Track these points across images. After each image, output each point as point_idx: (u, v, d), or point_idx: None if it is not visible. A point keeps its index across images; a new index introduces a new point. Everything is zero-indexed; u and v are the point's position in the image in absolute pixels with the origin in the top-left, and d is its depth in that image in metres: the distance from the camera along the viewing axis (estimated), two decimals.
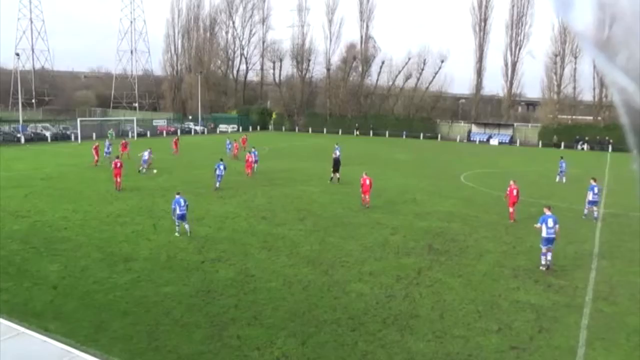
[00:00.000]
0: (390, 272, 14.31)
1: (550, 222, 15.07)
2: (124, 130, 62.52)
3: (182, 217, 17.33)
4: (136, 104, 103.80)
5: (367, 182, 23.31)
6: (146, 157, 32.02)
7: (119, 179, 25.45)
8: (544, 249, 15.16)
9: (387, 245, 17.05)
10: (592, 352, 9.93)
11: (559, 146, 68.07)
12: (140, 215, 20.22)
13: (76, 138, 54.06)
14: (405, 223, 20.41)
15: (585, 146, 68.79)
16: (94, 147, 35.10)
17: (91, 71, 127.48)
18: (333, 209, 22.60)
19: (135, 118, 65.81)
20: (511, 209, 21.72)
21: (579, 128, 72.47)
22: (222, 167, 26.58)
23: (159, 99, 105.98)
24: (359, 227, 19.51)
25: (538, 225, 15.34)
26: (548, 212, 15.38)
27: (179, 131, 69.24)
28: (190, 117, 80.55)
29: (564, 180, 34.08)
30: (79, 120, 56.97)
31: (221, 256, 15.28)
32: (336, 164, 30.83)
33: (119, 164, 25.55)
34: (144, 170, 31.60)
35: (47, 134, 55.45)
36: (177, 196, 17.61)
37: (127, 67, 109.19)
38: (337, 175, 30.46)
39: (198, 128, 73.55)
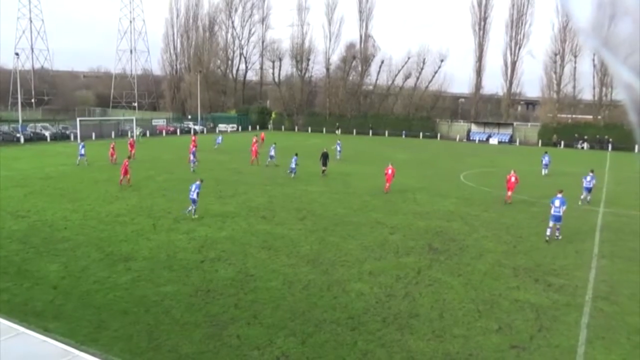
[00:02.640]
0: (390, 271, 14.31)
1: (557, 203, 17.97)
2: (124, 130, 62.52)
3: (192, 201, 19.86)
4: (135, 104, 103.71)
5: (390, 171, 26.92)
6: (192, 158, 33.41)
7: (128, 176, 26.58)
8: (550, 224, 18.21)
9: (386, 245, 17.05)
10: (592, 351, 9.93)
11: (559, 145, 68.08)
12: (140, 215, 20.21)
13: (75, 138, 54.00)
14: (405, 222, 20.41)
15: (585, 145, 68.80)
16: (111, 145, 35.99)
17: (90, 71, 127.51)
18: (333, 209, 22.59)
19: (134, 118, 65.67)
20: (509, 193, 25.14)
21: (579, 127, 72.45)
22: (294, 160, 31.12)
23: (159, 99, 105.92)
24: (358, 226, 19.51)
25: (550, 204, 18.35)
26: (559, 195, 18.24)
27: (197, 129, 69.50)
28: (189, 117, 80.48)
29: (546, 172, 36.67)
30: (78, 120, 56.88)
31: (221, 256, 15.27)
32: (324, 158, 32.51)
33: (126, 162, 27.10)
34: (194, 168, 32.84)
35: (47, 133, 55.40)
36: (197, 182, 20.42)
37: (127, 67, 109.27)
38: (324, 168, 32.34)
39: (197, 127, 73.51)
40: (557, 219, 18.09)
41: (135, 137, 52.92)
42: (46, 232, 17.35)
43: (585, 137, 69.41)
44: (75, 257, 14.71)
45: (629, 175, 38.03)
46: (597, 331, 10.81)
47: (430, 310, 11.65)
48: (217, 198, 24.21)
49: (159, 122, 71.76)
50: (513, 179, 25.08)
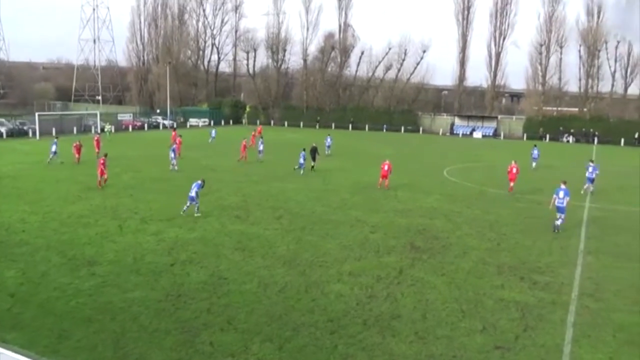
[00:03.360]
0: (371, 271, 14.39)
1: (561, 194, 19.15)
2: (87, 125, 61.41)
3: (190, 199, 20.31)
4: (99, 97, 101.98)
5: (386, 167, 27.19)
6: (172, 155, 32.83)
7: (104, 176, 25.83)
8: (557, 215, 19.27)
9: (367, 244, 17.13)
10: (578, 350, 10.16)
11: (544, 139, 69.32)
12: (105, 216, 19.89)
13: (34, 134, 52.89)
14: (386, 220, 20.54)
15: (570, 138, 70.23)
16: (74, 145, 34.62)
17: (50, 62, 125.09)
18: (311, 207, 22.61)
19: (99, 112, 64.56)
20: (511, 184, 27.31)
21: (565, 120, 73.93)
22: (302, 154, 31.91)
23: (124, 92, 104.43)
24: (337, 225, 19.56)
25: (554, 196, 19.47)
26: (563, 186, 19.32)
27: (167, 124, 68.71)
28: (158, 111, 79.51)
29: (534, 165, 38.27)
30: (37, 114, 55.65)
31: (192, 258, 15.14)
32: (313, 153, 33.63)
33: (101, 161, 26.26)
34: (175, 167, 32.33)
35: (2, 129, 54.06)
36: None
37: (90, 58, 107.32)
38: (312, 164, 33.35)
39: (167, 122, 72.66)
40: (561, 210, 19.17)
41: (106, 133, 52.18)
42: (2, 236, 16.93)
43: (571, 130, 70.85)
44: (34, 262, 14.40)
45: (615, 169, 38.97)
46: (583, 329, 11.06)
47: (412, 311, 11.75)
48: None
49: (125, 116, 70.71)
50: (514, 170, 27.33)
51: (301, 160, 31.96)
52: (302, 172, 31.80)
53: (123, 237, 17.11)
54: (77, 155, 34.11)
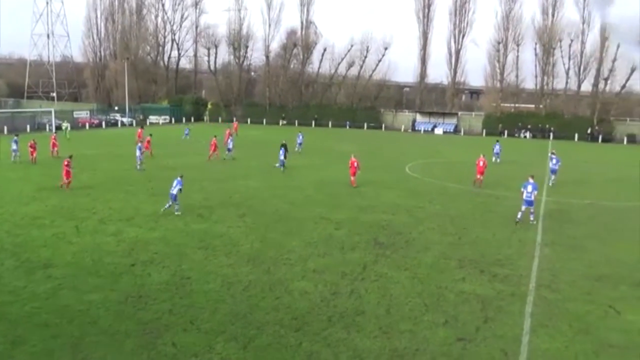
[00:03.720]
0: (335, 268, 14.45)
1: (530, 188, 19.86)
2: (41, 123, 59.37)
3: (171, 197, 19.86)
4: (54, 94, 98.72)
5: (355, 164, 27.20)
6: (139, 154, 31.82)
7: (70, 179, 24.53)
8: (522, 208, 20.05)
9: (331, 241, 17.20)
10: (536, 340, 10.48)
11: (503, 134, 71.14)
12: (61, 217, 19.28)
13: None
14: (350, 217, 20.66)
15: (527, 134, 72.32)
16: (29, 144, 33.15)
17: (1, 57, 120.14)
18: (274, 204, 22.52)
19: (53, 109, 62.52)
20: (478, 176, 28.25)
21: (522, 116, 76.03)
22: (282, 151, 32.18)
23: (80, 88, 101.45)
24: (301, 222, 19.56)
25: (522, 190, 20.11)
26: (531, 180, 20.07)
27: (133, 122, 66.82)
28: (116, 108, 77.53)
29: (498, 160, 39.42)
30: None
31: (153, 258, 14.86)
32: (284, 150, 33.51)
33: (66, 162, 24.77)
34: (142, 167, 31.32)
35: None
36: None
37: (43, 53, 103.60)
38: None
39: (125, 120, 70.98)
40: (530, 203, 19.98)
41: (64, 131, 50.55)
42: None
43: (529, 126, 72.97)
44: None
45: (569, 163, 40.32)
46: (540, 319, 11.42)
47: (376, 307, 11.87)
48: (149, 196, 23.50)
49: (82, 114, 68.76)
50: (482, 163, 28.35)
51: (282, 157, 32.14)
52: (276, 164, 32.43)
53: (80, 238, 16.64)
54: (32, 155, 32.89)
